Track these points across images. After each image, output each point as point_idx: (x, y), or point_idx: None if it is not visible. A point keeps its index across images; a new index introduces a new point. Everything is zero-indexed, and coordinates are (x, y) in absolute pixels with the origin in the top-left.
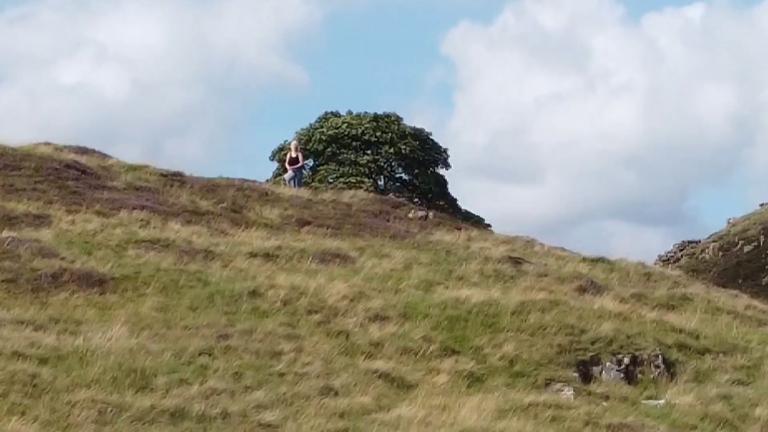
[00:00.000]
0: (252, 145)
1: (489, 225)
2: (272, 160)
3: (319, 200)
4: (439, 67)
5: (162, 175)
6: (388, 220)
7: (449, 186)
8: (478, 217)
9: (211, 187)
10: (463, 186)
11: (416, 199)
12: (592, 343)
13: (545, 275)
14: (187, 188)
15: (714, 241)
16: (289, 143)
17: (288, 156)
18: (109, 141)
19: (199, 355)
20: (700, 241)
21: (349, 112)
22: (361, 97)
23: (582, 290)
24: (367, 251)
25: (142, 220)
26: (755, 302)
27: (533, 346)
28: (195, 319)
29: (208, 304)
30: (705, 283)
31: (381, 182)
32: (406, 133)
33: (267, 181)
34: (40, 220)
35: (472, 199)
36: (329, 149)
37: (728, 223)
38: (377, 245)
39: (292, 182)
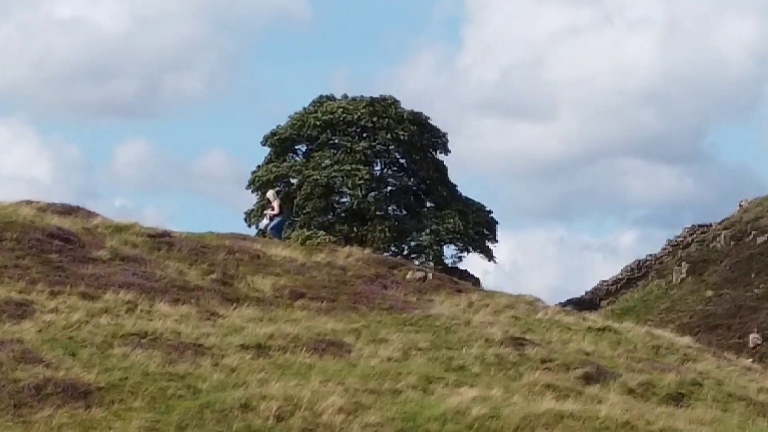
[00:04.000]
0: (253, 82)
1: (491, 212)
2: (264, 145)
3: (313, 264)
4: None
5: (149, 235)
6: (385, 286)
7: (449, 172)
8: (479, 204)
9: (200, 250)
10: (473, 125)
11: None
12: None
13: (549, 360)
14: (175, 252)
15: (726, 228)
16: (267, 196)
17: (277, 204)
18: (106, 77)
19: None
20: (711, 225)
21: (345, 96)
22: (366, 33)
23: (588, 379)
24: (363, 334)
25: (128, 302)
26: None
27: None
28: None
29: (199, 421)
30: (716, 354)
31: (378, 167)
32: (404, 117)
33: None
34: (22, 309)
35: (484, 138)
36: (324, 135)
37: (740, 206)
38: (374, 324)
39: (274, 230)
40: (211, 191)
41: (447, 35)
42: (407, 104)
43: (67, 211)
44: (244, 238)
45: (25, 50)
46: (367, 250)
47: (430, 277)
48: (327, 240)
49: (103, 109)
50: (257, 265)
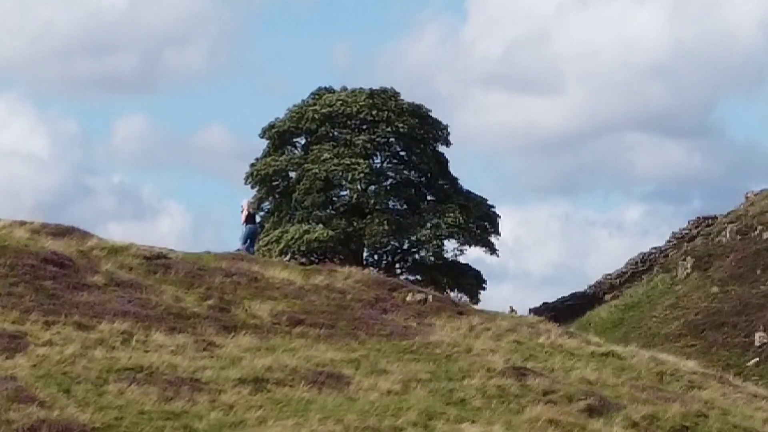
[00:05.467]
0: (254, 56)
1: (492, 206)
2: (262, 138)
3: (312, 287)
4: None
5: (145, 257)
6: (384, 311)
7: (450, 165)
8: (480, 197)
9: (197, 273)
10: (478, 99)
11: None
12: None
13: (552, 391)
14: (171, 275)
15: (731, 222)
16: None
17: (244, 215)
18: (105, 51)
19: None
20: (716, 218)
21: (344, 88)
22: (369, 5)
23: (591, 412)
24: (363, 364)
25: (123, 332)
26: None
27: None
28: None
29: None
30: (721, 380)
31: (378, 160)
32: (404, 109)
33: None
34: (16, 342)
35: (488, 112)
36: (323, 128)
37: (746, 198)
38: (373, 353)
39: (247, 242)
40: (210, 167)
41: (451, 8)
42: (410, 78)
43: (61, 232)
44: (242, 258)
45: (23, 24)
46: (367, 270)
47: (430, 299)
48: (325, 234)
49: (102, 84)
50: (255, 289)
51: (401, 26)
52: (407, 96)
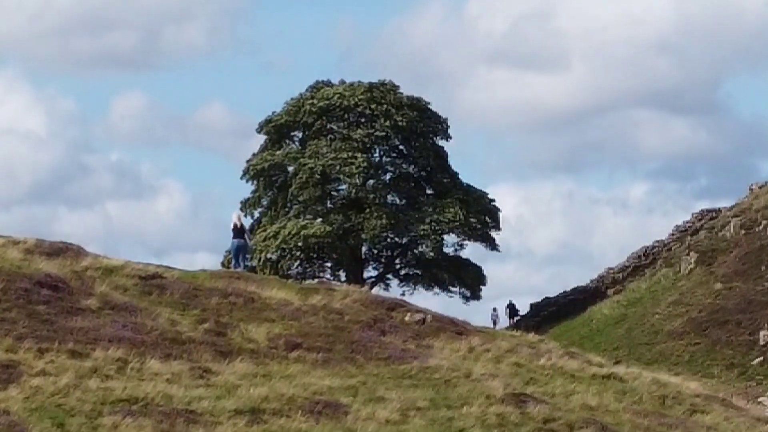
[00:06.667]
0: (255, 32)
1: (493, 200)
2: (259, 132)
3: (309, 307)
4: None
5: (140, 277)
6: (383, 332)
7: (450, 158)
8: (481, 191)
9: (192, 294)
10: (482, 76)
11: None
12: None
13: (552, 419)
14: (167, 296)
15: (735, 216)
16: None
17: (233, 226)
18: (105, 28)
19: None
20: (720, 211)
21: (342, 82)
22: None
23: None
24: (361, 392)
25: (118, 360)
26: None
27: None
28: None
29: None
30: (724, 403)
31: (376, 154)
32: (403, 103)
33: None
34: (9, 372)
35: (492, 89)
36: (319, 122)
37: (750, 191)
38: (371, 379)
39: (239, 256)
40: (210, 145)
41: None
42: (414, 55)
43: (55, 251)
44: (238, 277)
45: (22, 3)
46: (365, 288)
47: (429, 319)
48: (323, 229)
49: (101, 61)
50: (251, 310)
51: (404, 3)
52: (409, 75)
